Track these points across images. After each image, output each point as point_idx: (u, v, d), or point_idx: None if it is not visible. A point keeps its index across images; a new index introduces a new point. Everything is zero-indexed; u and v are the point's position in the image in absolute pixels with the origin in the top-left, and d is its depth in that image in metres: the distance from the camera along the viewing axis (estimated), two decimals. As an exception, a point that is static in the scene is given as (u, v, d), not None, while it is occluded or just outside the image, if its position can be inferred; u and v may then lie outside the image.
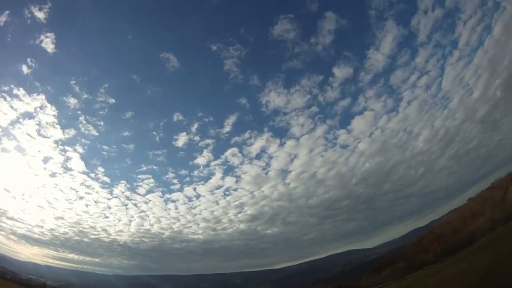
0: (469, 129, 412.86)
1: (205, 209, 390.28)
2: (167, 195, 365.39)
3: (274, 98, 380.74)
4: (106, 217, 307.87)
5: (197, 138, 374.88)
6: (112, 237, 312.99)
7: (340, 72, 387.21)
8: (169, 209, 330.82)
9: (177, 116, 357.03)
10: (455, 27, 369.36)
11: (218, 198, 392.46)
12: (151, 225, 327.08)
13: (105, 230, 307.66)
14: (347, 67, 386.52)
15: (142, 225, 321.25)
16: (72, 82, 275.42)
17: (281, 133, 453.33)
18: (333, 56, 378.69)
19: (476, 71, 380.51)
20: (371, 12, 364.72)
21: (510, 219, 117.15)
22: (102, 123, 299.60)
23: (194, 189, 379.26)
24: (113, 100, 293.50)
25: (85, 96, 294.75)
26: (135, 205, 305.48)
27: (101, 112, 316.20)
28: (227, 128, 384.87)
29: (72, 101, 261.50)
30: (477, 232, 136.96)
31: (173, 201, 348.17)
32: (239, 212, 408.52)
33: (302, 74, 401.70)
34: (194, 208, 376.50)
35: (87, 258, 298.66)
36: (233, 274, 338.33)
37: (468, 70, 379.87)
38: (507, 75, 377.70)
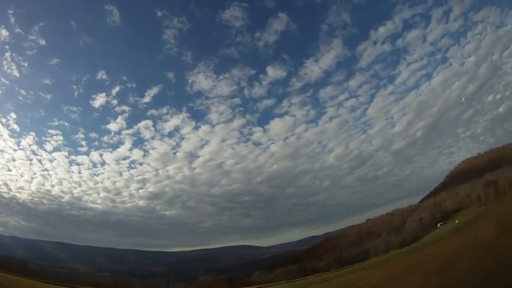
0: (382, 157, 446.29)
1: (108, 178, 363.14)
2: (73, 157, 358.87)
3: (201, 80, 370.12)
4: (9, 170, 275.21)
5: (115, 102, 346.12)
6: (12, 193, 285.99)
7: (273, 72, 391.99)
8: (73, 171, 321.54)
9: (101, 75, 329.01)
10: (398, 65, 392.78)
11: (123, 170, 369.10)
12: (52, 186, 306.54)
13: (6, 184, 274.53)
14: (281, 69, 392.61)
15: (43, 185, 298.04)
16: (10, 12, 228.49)
17: (198, 117, 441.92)
18: (271, 55, 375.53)
19: (403, 108, 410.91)
20: (322, 26, 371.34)
21: (405, 245, 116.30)
22: (26, 64, 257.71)
23: (101, 155, 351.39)
24: (44, 42, 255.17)
25: (17, 30, 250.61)
26: (40, 161, 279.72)
27: (28, 52, 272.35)
28: (146, 99, 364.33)
29: (4, 32, 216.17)
30: (371, 251, 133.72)
31: (78, 164, 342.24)
32: (141, 188, 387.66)
33: (236, 64, 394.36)
34: (97, 176, 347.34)
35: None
36: (127, 251, 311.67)
37: (396, 105, 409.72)
38: (432, 121, 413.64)
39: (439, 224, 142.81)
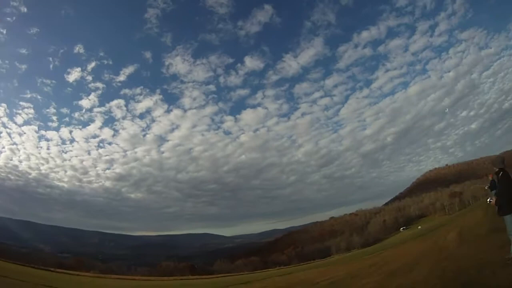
0: (350, 158, 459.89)
1: (76, 156, 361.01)
2: (43, 132, 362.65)
3: (178, 63, 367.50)
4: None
5: (89, 78, 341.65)
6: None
7: (251, 62, 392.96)
8: (41, 147, 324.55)
9: (78, 48, 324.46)
10: (376, 70, 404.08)
11: (91, 148, 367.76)
12: (20, 161, 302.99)
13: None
14: (259, 61, 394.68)
15: (11, 159, 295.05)
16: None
17: (171, 100, 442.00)
18: (251, 46, 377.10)
19: (377, 113, 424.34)
20: (306, 23, 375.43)
21: (367, 245, 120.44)
22: (4, 31, 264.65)
23: (70, 132, 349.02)
24: (25, 9, 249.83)
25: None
26: (9, 134, 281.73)
27: (8, 19, 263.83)
28: (121, 77, 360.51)
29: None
30: (333, 248, 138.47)
31: (47, 140, 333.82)
32: (108, 168, 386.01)
33: (215, 50, 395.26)
34: (66, 153, 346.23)
35: None
36: (91, 233, 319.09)
37: (370, 109, 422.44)
38: (403, 128, 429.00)
39: (402, 228, 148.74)
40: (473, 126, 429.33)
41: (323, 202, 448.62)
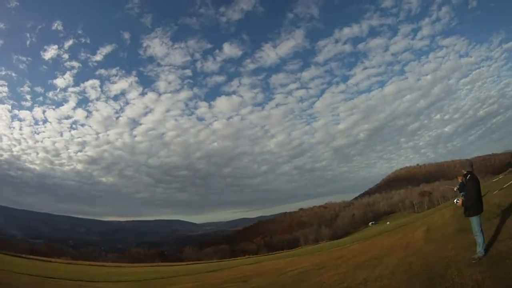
0: (322, 151, 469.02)
1: (49, 137, 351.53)
2: (16, 111, 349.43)
3: (156, 45, 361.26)
4: None
5: (66, 56, 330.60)
6: None
7: (230, 49, 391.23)
8: (14, 127, 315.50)
9: (57, 25, 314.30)
10: (354, 67, 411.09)
11: (64, 130, 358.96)
12: None
13: None
14: (238, 48, 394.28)
15: None
16: None
17: (147, 83, 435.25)
18: (231, 33, 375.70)
19: (351, 108, 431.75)
20: (289, 15, 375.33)
21: (335, 238, 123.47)
22: None
23: (44, 112, 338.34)
24: None
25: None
26: None
27: None
28: (98, 57, 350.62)
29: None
30: (302, 239, 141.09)
31: (20, 120, 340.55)
32: (80, 151, 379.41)
33: (194, 35, 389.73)
34: (38, 134, 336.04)
35: None
36: (62, 218, 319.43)
37: (344, 104, 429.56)
38: (377, 125, 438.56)
39: (370, 223, 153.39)
40: (446, 129, 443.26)
41: (292, 193, 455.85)
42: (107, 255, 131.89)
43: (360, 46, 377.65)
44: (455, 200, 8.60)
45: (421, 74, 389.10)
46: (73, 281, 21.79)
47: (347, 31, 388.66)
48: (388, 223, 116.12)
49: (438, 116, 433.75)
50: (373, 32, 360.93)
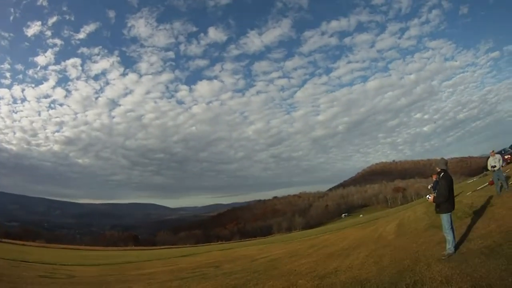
0: (299, 141, 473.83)
1: (26, 117, 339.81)
2: None
3: (141, 25, 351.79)
4: None
5: (49, 33, 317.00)
6: None
7: (215, 34, 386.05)
8: None
9: (42, 1, 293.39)
10: (338, 60, 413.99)
11: (42, 109, 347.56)
12: None
13: None
14: (223, 33, 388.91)
15: None
16: None
17: (128, 63, 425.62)
18: (217, 17, 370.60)
19: (332, 101, 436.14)
20: (277, 3, 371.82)
21: (308, 227, 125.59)
22: None
23: (23, 91, 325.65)
24: None
25: None
26: None
27: None
28: (81, 35, 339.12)
29: None
30: (275, 227, 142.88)
31: None
32: (57, 131, 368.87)
33: (180, 17, 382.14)
34: (16, 113, 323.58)
35: None
36: (38, 200, 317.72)
37: (326, 96, 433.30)
38: (356, 119, 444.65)
39: (343, 214, 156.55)
40: (425, 128, 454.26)
41: (268, 181, 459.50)
42: (82, 238, 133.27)
43: (347, 40, 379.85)
44: (427, 196, 8.79)
45: (405, 72, 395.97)
46: (47, 265, 21.39)
47: (335, 24, 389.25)
48: (361, 215, 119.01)
49: (418, 115, 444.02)
50: (361, 28, 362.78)
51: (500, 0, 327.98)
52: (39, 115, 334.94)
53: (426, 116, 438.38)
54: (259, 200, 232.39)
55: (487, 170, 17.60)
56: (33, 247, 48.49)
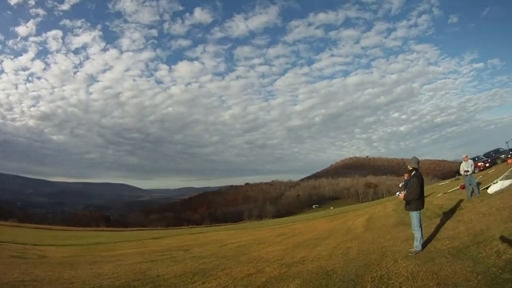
0: (275, 129, 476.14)
1: (3, 90, 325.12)
2: None
3: (126, 0, 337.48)
4: None
5: (32, 2, 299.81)
6: None
7: (200, 15, 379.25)
8: None
9: None
10: (322, 52, 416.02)
11: (19, 82, 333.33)
12: None
13: None
14: (209, 15, 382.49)
15: None
16: None
17: (110, 39, 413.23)
18: None
19: (311, 92, 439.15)
20: None
21: (278, 216, 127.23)
22: None
23: (1, 62, 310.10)
24: None
25: None
26: None
27: None
28: (65, 6, 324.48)
29: None
30: (245, 213, 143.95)
31: None
32: (33, 106, 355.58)
33: None
34: None
35: None
36: (11, 177, 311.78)
37: (305, 87, 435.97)
38: (333, 112, 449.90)
39: (314, 205, 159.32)
40: (401, 128, 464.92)
41: (241, 167, 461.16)
42: (54, 217, 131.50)
43: (332, 33, 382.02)
44: (397, 193, 8.80)
45: (387, 72, 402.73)
46: (18, 245, 21.19)
47: (322, 17, 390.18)
48: (331, 208, 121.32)
49: (395, 115, 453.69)
50: (348, 23, 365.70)
51: (491, 15, 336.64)
52: (16, 88, 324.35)
53: (403, 116, 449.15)
54: (231, 186, 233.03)
55: (460, 174, 18.09)
56: (5, 226, 48.40)
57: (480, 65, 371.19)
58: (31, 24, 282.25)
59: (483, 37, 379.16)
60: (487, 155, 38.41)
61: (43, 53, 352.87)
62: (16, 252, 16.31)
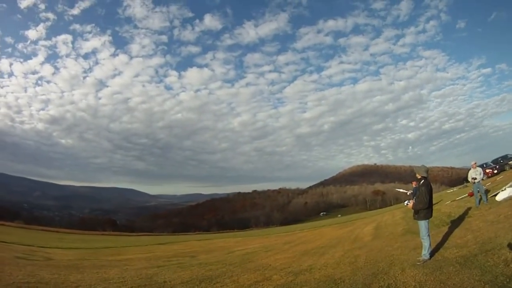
0: (284, 136, 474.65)
1: (12, 92, 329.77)
2: None
3: (137, 5, 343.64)
4: None
5: (42, 6, 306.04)
6: None
7: (210, 21, 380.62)
8: None
9: None
10: (331, 59, 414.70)
11: (29, 85, 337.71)
12: None
13: None
14: (219, 21, 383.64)
15: None
16: None
17: (120, 44, 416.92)
18: (215, 4, 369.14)
19: (320, 99, 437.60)
20: None
21: (286, 224, 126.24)
22: None
23: (11, 65, 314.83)
24: None
25: None
26: None
27: None
28: (75, 11, 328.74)
29: None
30: (253, 221, 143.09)
31: None
32: (43, 109, 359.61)
33: (177, 1, 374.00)
34: (2, 88, 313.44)
35: None
36: (19, 179, 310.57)
37: (314, 94, 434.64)
38: (342, 120, 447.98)
39: (322, 213, 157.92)
40: (410, 135, 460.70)
41: (248, 174, 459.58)
42: (61, 220, 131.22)
43: (341, 40, 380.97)
44: (405, 202, 8.76)
45: (396, 78, 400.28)
46: (24, 246, 21.15)
47: (331, 24, 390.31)
48: (339, 215, 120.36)
49: (404, 122, 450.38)
50: (357, 30, 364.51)
51: (499, 19, 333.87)
52: (25, 91, 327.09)
53: (412, 124, 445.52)
54: (239, 193, 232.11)
55: (468, 181, 17.93)
56: (12, 227, 48.29)
57: (488, 70, 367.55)
58: (41, 28, 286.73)
59: (491, 42, 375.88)
60: (495, 161, 37.84)
61: (52, 57, 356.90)
62: (22, 253, 16.29)
